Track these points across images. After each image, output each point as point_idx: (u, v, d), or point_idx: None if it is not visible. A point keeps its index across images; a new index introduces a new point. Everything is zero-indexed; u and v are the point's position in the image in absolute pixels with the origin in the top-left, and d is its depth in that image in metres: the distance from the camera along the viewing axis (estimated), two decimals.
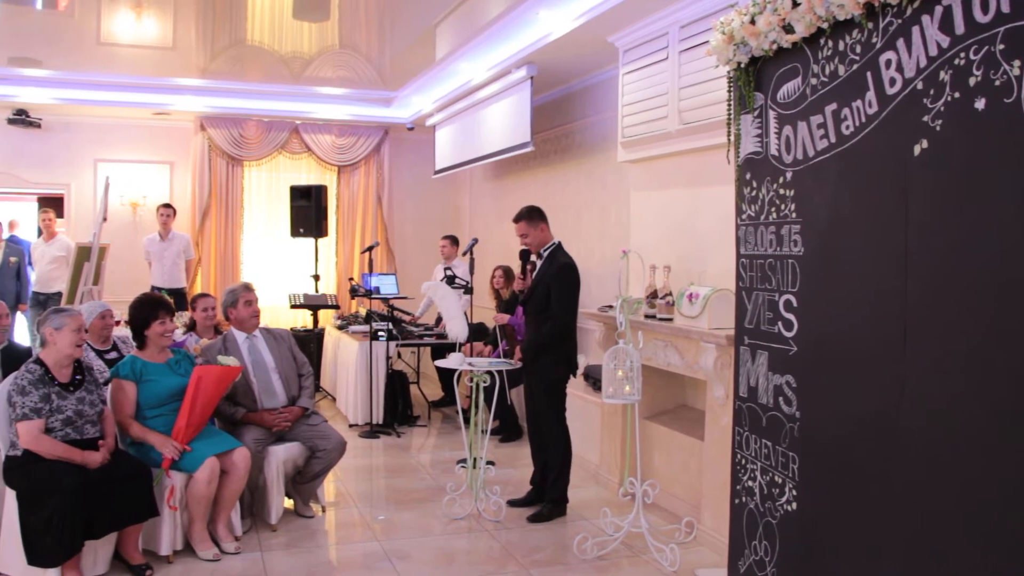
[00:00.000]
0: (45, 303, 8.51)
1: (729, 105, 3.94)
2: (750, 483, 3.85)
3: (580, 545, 4.45)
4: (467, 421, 5.29)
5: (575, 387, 6.19)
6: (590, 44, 6.17)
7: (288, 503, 5.20)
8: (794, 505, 3.46)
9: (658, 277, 5.13)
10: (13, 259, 8.99)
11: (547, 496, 5.16)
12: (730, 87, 3.91)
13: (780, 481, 3.57)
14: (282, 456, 4.96)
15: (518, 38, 6.61)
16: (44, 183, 10.07)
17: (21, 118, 9.53)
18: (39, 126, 9.73)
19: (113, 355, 5.01)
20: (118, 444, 4.34)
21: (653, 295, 5.10)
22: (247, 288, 5.24)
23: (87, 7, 7.22)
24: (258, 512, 4.96)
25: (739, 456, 3.98)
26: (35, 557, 3.85)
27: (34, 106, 9.49)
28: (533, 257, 5.20)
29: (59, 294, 8.27)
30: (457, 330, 5.25)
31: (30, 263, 9.20)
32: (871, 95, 2.85)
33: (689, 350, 4.77)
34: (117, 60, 8.36)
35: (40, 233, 9.27)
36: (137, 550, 4.22)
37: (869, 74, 2.87)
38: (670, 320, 4.90)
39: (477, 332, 7.67)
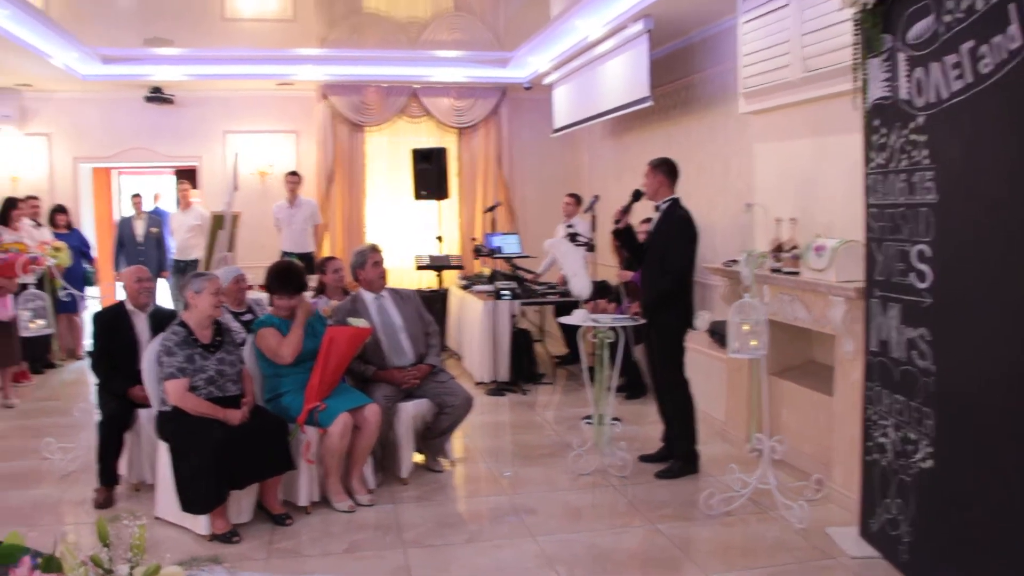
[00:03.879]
0: (184, 270, 9.02)
1: (855, 49, 3.78)
2: (882, 439, 3.75)
3: (707, 501, 4.44)
4: (592, 378, 5.32)
5: (700, 343, 6.14)
6: None
7: (418, 458, 5.39)
8: (930, 463, 3.36)
9: (783, 230, 5.01)
10: (154, 229, 9.55)
11: (675, 452, 5.17)
12: (856, 30, 3.75)
13: (914, 438, 3.46)
14: (411, 412, 5.13)
15: None
16: (179, 156, 10.63)
17: (156, 95, 10.05)
18: (172, 102, 10.25)
19: (248, 316, 5.29)
20: (257, 401, 4.59)
21: (778, 248, 4.98)
22: (374, 249, 5.40)
23: None
24: (389, 466, 5.15)
25: (870, 412, 3.88)
26: (187, 504, 4.16)
27: (167, 83, 9.99)
28: (652, 210, 5.16)
29: (196, 261, 8.74)
30: (580, 287, 5.27)
31: (169, 232, 9.74)
32: (1014, 29, 2.68)
33: (816, 304, 4.65)
34: (241, 34, 8.70)
35: (179, 204, 9.78)
36: (277, 501, 4.48)
37: (1012, 6, 2.69)
38: (796, 274, 4.77)
39: (601, 289, 7.67)
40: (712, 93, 7.14)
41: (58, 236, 8.49)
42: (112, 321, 5.03)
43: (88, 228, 10.33)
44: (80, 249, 8.92)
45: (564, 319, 5.34)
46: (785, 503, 4.24)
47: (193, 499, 4.14)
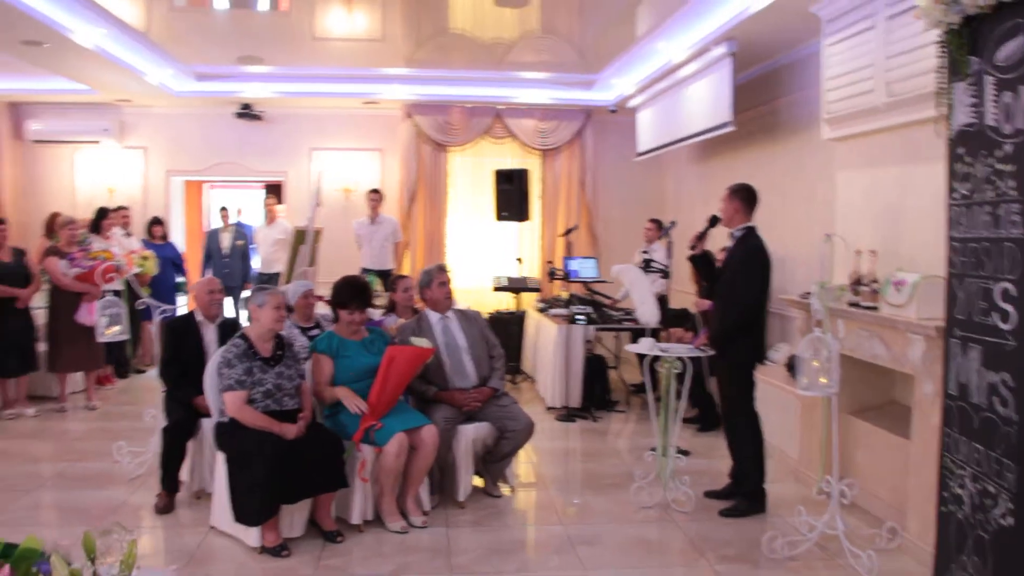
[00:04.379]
0: (267, 283, 9.18)
1: (940, 72, 3.57)
2: (959, 490, 3.50)
3: (770, 543, 4.23)
4: (659, 409, 5.16)
5: (776, 377, 5.91)
6: (791, 16, 5.83)
7: (478, 482, 5.31)
8: (1010, 520, 3.10)
9: (863, 262, 4.77)
10: (240, 242, 9.81)
11: (740, 490, 4.96)
12: (941, 52, 3.54)
13: (993, 491, 3.21)
14: (471, 435, 5.05)
15: (717, 14, 6.37)
16: (266, 171, 10.92)
17: (246, 112, 10.36)
18: (261, 119, 10.54)
19: (315, 332, 5.31)
20: (315, 417, 4.60)
21: (857, 282, 4.75)
22: (441, 269, 5.37)
23: (303, 5, 7.66)
24: (447, 489, 5.08)
25: (947, 460, 3.63)
26: (239, 515, 4.18)
27: (257, 100, 10.29)
28: (727, 239, 4.99)
29: (279, 274, 8.90)
30: (647, 314, 5.14)
31: (255, 246, 9.98)
32: None
33: (896, 341, 4.40)
34: (330, 54, 8.85)
35: (265, 218, 10.01)
36: (330, 517, 4.46)
37: None
38: (875, 309, 4.53)
39: (679, 318, 7.49)
40: (797, 119, 6.92)
41: (154, 247, 8.81)
42: (182, 330, 5.13)
43: (179, 239, 10.66)
44: (173, 260, 9.23)
45: (631, 347, 5.20)
46: (853, 551, 4.00)
47: (245, 510, 4.17)
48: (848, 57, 5.16)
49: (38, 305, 7.30)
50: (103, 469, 5.59)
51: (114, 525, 1.58)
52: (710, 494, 5.13)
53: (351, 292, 4.88)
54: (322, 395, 4.70)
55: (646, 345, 4.99)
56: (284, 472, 4.11)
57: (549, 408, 7.71)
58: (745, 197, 4.93)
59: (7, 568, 1.45)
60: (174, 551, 4.32)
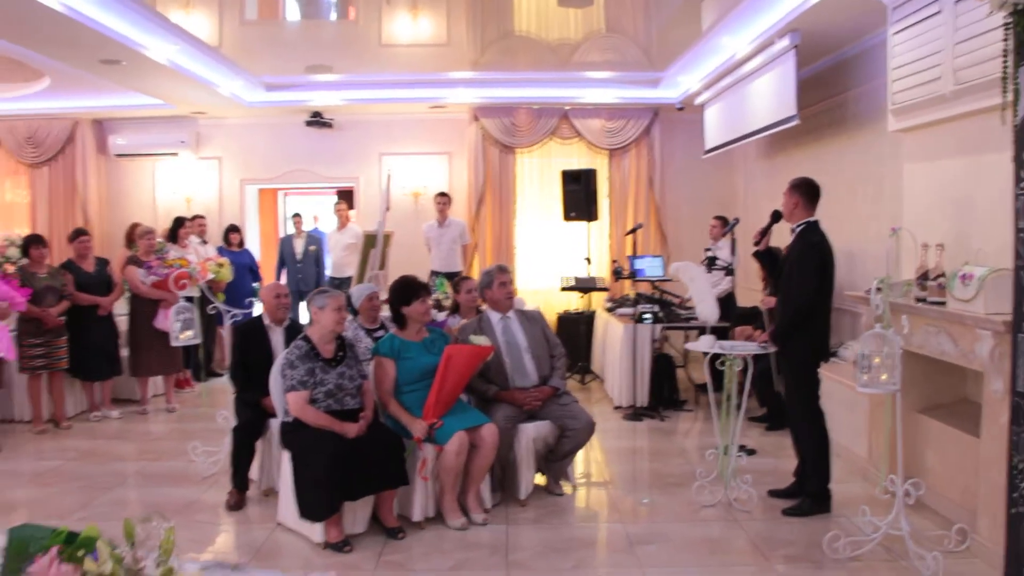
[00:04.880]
0: (339, 287, 9.37)
1: (1005, 57, 3.45)
2: None
3: (831, 543, 4.13)
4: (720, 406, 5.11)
5: (843, 375, 5.78)
6: (854, 3, 5.68)
7: (540, 480, 5.34)
8: None
9: (930, 256, 4.63)
10: (312, 248, 10.04)
11: (805, 489, 4.87)
12: (1006, 35, 3.42)
13: None
14: (532, 434, 5.08)
15: (780, 5, 6.27)
16: (337, 177, 11.14)
17: (316, 120, 10.58)
18: (331, 126, 10.75)
19: (380, 333, 5.40)
20: (378, 416, 4.69)
21: (924, 276, 4.61)
22: (502, 270, 5.41)
23: (370, 13, 7.83)
24: (508, 487, 5.12)
25: (1016, 460, 3.50)
26: (304, 511, 4.30)
27: (327, 108, 10.49)
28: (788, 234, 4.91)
29: (351, 278, 9.08)
30: (707, 312, 5.09)
31: (327, 251, 10.19)
32: None
33: (964, 337, 4.26)
34: (396, 59, 9.01)
35: (337, 223, 10.22)
36: (392, 514, 4.54)
37: None
38: (942, 304, 4.40)
39: (748, 316, 7.37)
40: (865, 111, 6.75)
41: (230, 254, 9.09)
42: (250, 334, 5.29)
43: (255, 246, 10.96)
44: (249, 267, 9.50)
45: (690, 345, 5.16)
46: (918, 552, 3.89)
47: (309, 507, 4.28)
48: (914, 45, 5.01)
49: (121, 312, 7.62)
50: (179, 468, 5.80)
51: (153, 514, 1.65)
52: (774, 493, 5.05)
53: (409, 288, 4.95)
54: (386, 404, 4.78)
55: (706, 343, 4.94)
56: (345, 470, 4.20)
57: (616, 407, 7.70)
58: (805, 192, 4.84)
59: (54, 550, 1.54)
60: (243, 546, 4.47)
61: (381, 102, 10.24)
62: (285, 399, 4.47)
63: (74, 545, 1.73)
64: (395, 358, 4.81)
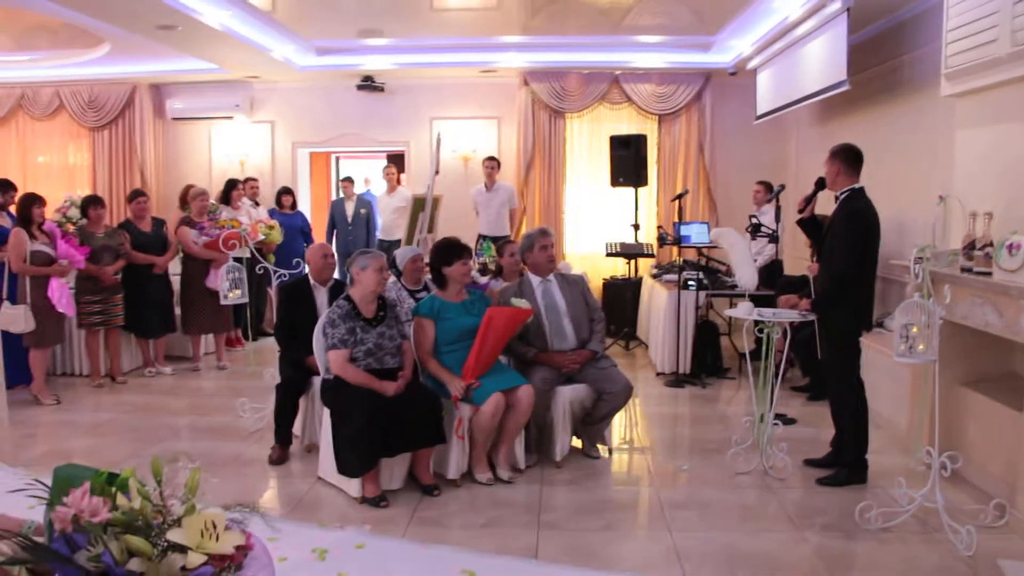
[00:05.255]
0: (388, 250, 9.48)
1: None
2: None
3: (863, 513, 4.11)
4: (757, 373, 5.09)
5: (886, 345, 5.69)
6: None
7: (577, 443, 5.39)
8: None
9: (978, 225, 4.53)
10: (363, 211, 10.16)
11: (841, 459, 4.84)
12: None
13: None
14: (569, 396, 5.12)
15: None
16: (388, 141, 11.20)
17: (368, 84, 10.63)
18: (383, 90, 10.80)
19: (423, 295, 5.48)
20: (418, 376, 4.77)
21: (971, 246, 4.51)
22: (543, 233, 5.42)
23: None
24: (545, 448, 5.18)
25: None
26: (342, 467, 4.42)
27: (378, 72, 10.53)
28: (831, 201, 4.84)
29: (399, 241, 9.17)
30: (746, 278, 5.06)
31: (378, 214, 10.30)
32: None
33: (1009, 308, 4.16)
34: (447, 24, 8.97)
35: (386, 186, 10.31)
36: (428, 472, 4.64)
37: None
38: (988, 274, 4.31)
39: (796, 284, 7.28)
40: (919, 77, 6.57)
41: (282, 216, 9.25)
42: (295, 293, 5.40)
43: (306, 208, 11.10)
44: (301, 229, 9.65)
45: (729, 311, 5.13)
46: (952, 526, 3.85)
47: (347, 463, 4.39)
48: (971, 5, 4.85)
49: (175, 272, 7.84)
50: (227, 423, 5.99)
51: (180, 454, 1.74)
52: (810, 462, 5.03)
53: (449, 249, 5.02)
54: (425, 363, 4.86)
55: (744, 310, 4.91)
56: (382, 427, 4.30)
57: (659, 374, 7.70)
58: (846, 158, 4.76)
59: (87, 484, 1.63)
60: (283, 498, 4.62)
61: (432, 66, 10.25)
62: (326, 357, 4.58)
63: (114, 483, 1.82)
64: (434, 319, 4.88)
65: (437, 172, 8.71)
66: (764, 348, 4.93)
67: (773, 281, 7.28)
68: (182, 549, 1.52)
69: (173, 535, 1.53)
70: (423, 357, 4.84)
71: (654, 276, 8.82)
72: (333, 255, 5.62)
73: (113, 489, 1.74)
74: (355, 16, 8.76)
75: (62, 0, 6.90)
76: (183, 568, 1.50)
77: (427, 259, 5.82)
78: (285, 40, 9.13)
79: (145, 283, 7.34)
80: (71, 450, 5.42)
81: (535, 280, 5.37)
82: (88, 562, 1.49)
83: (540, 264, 5.37)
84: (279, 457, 5.13)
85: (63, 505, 1.56)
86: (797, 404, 6.56)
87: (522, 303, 5.05)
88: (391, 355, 4.63)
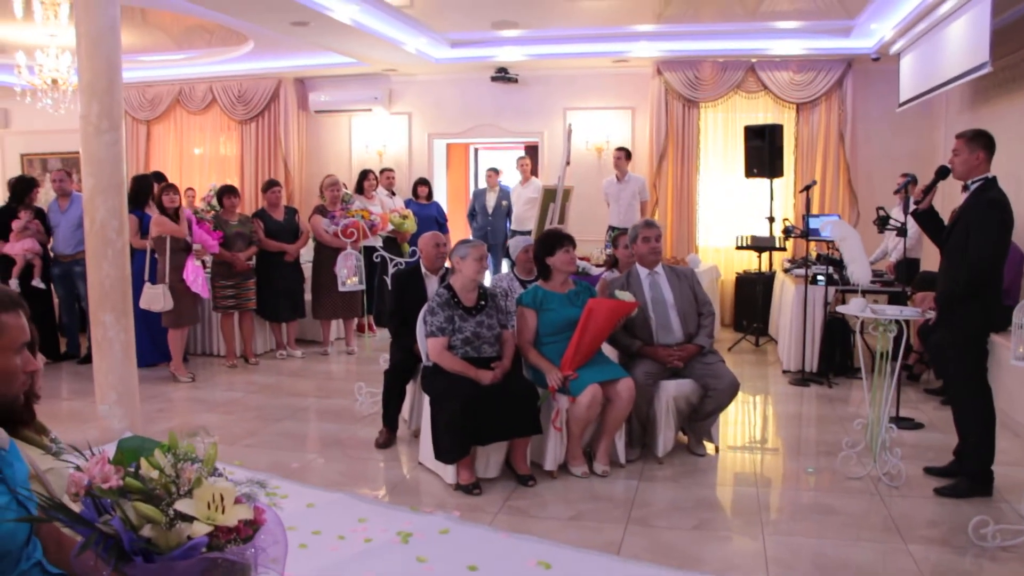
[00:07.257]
0: None
1: None
2: None
3: (978, 528, 3.82)
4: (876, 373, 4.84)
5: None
6: None
7: (683, 439, 5.29)
8: None
9: None
10: (504, 202, 10.33)
11: (964, 469, 4.54)
12: None
13: None
14: (673, 392, 5.03)
15: None
16: (522, 132, 11.27)
17: (502, 75, 10.74)
18: (516, 81, 10.86)
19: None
20: (517, 366, 4.81)
21: None
22: (648, 225, 5.34)
23: None
24: (648, 444, 5.11)
25: None
26: (438, 453, 4.52)
27: (512, 63, 10.61)
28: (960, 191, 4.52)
29: (530, 232, 9.24)
30: (859, 273, 4.82)
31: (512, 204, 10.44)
32: None
33: None
34: (580, 14, 8.94)
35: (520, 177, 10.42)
36: (524, 462, 4.67)
37: None
38: None
39: (933, 281, 6.86)
40: None
41: (418, 206, 9.53)
42: (406, 281, 5.54)
43: (441, 199, 11.35)
44: (437, 219, 9.90)
45: (841, 308, 4.90)
46: None
47: (443, 449, 4.48)
48: None
49: (307, 259, 8.21)
50: (345, 406, 6.24)
51: (200, 429, 1.84)
52: (931, 471, 4.74)
53: (553, 238, 5.02)
54: (525, 352, 4.89)
55: (856, 306, 4.68)
56: (477, 415, 4.36)
57: (784, 371, 7.45)
58: (986, 144, 4.43)
59: (105, 453, 1.74)
60: (383, 481, 4.77)
61: (565, 56, 10.23)
62: (426, 344, 4.69)
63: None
64: (537, 309, 4.90)
65: (568, 163, 8.73)
66: (890, 348, 4.67)
67: (910, 277, 6.89)
68: (189, 519, 1.61)
69: (181, 505, 1.63)
70: (523, 346, 4.87)
71: (786, 271, 8.53)
72: (446, 244, 5.73)
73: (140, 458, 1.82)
74: (490, 9, 8.85)
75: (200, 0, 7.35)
76: (189, 537, 1.60)
77: None
78: (417, 33, 9.36)
79: (276, 269, 7.73)
80: (196, 426, 5.78)
81: (643, 272, 5.29)
82: (104, 525, 1.61)
83: (644, 256, 5.29)
84: (385, 440, 5.29)
85: (79, 471, 1.69)
86: (929, 408, 6.20)
87: (626, 295, 5.00)
88: (489, 344, 4.69)
